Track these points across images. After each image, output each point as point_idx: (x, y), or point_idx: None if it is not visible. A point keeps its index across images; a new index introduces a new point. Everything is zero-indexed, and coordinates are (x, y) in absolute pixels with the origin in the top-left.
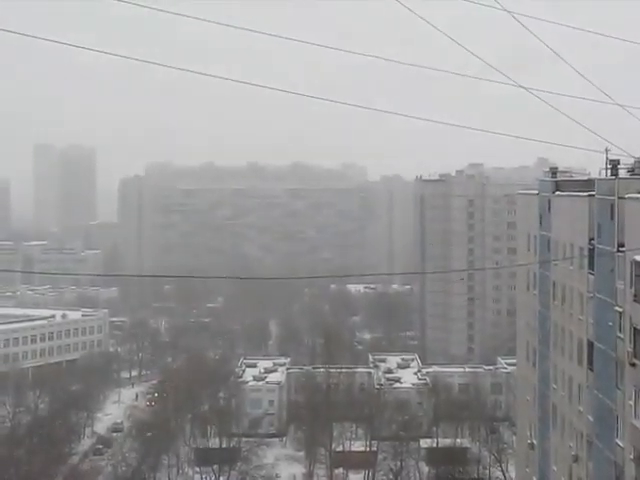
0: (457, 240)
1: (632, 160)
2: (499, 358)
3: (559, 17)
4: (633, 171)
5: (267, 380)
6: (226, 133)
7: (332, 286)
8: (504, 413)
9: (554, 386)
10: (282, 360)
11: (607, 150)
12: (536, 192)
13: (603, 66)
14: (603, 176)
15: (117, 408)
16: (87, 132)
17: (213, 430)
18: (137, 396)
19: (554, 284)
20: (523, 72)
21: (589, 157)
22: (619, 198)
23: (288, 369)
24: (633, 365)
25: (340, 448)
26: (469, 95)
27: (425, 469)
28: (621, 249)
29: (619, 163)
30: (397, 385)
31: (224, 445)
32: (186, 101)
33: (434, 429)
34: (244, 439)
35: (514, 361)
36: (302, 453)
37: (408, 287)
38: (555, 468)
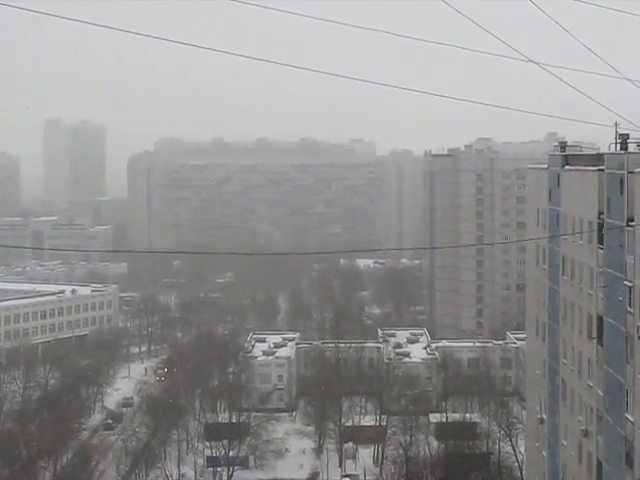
0: (466, 215)
1: None
2: (508, 333)
3: None
4: None
5: (276, 355)
6: (235, 109)
7: (341, 261)
8: (513, 388)
9: (564, 361)
10: (291, 335)
11: (617, 124)
12: (545, 167)
13: (612, 40)
14: (613, 150)
15: (127, 383)
16: (97, 108)
17: (223, 405)
18: (146, 371)
19: (563, 259)
20: (533, 46)
21: (599, 131)
22: (629, 172)
23: (297, 344)
24: None
25: (349, 423)
26: (478, 69)
27: (434, 443)
28: (631, 224)
29: (629, 137)
30: (406, 360)
31: (234, 420)
32: (194, 77)
33: (443, 404)
34: (253, 414)
35: (523, 336)
36: (312, 428)
37: (417, 262)
38: (565, 442)
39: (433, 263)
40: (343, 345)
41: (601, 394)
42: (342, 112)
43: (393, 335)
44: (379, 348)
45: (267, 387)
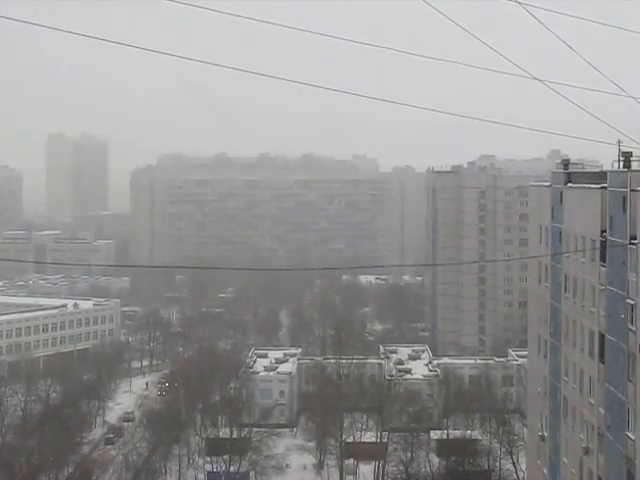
0: (468, 232)
1: None
2: (510, 350)
3: (574, 9)
4: None
5: (278, 370)
6: (238, 124)
7: (343, 277)
8: (515, 405)
9: (565, 378)
10: (293, 350)
11: (620, 142)
12: (548, 184)
13: (616, 58)
14: (615, 168)
15: (128, 397)
16: (100, 122)
17: (224, 420)
18: (148, 385)
19: (566, 276)
20: (537, 64)
21: (602, 149)
22: (631, 190)
23: (299, 359)
24: None
25: (350, 439)
26: (481, 87)
27: (435, 460)
28: (633, 241)
29: (632, 155)
30: (408, 376)
31: (235, 435)
32: (198, 92)
33: (445, 420)
34: (255, 429)
35: (525, 353)
36: (312, 443)
37: (419, 278)
38: (566, 460)
39: (435, 280)
40: (344, 361)
41: (602, 412)
42: (345, 128)
43: (395, 351)
44: (380, 364)
45: (268, 402)
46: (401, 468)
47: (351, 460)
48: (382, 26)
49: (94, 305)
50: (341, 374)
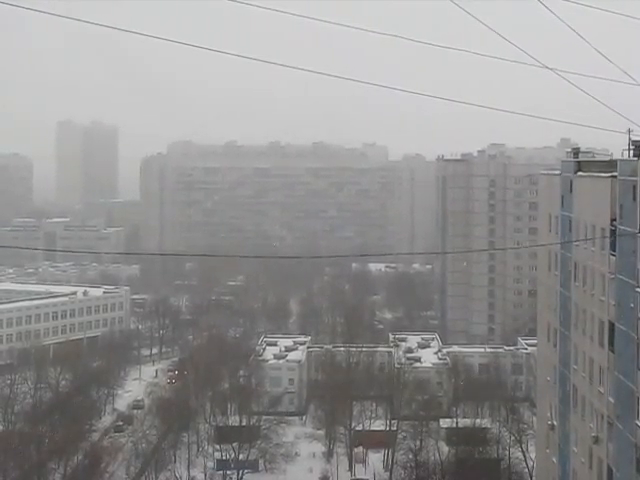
0: (478, 220)
1: None
2: (520, 338)
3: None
4: None
5: (287, 358)
6: (248, 112)
7: (353, 265)
8: (524, 394)
9: (575, 367)
10: (302, 338)
11: (630, 131)
12: (558, 172)
13: (628, 48)
14: (625, 157)
15: (138, 385)
16: (110, 110)
17: (233, 408)
18: (157, 373)
19: (575, 265)
20: (545, 51)
21: (612, 138)
22: None
23: (308, 347)
24: None
25: (360, 427)
26: (492, 76)
27: (445, 449)
28: None
29: None
30: (417, 365)
31: (244, 423)
32: (208, 79)
33: (454, 409)
34: (264, 417)
35: (535, 342)
36: (322, 432)
37: (429, 267)
38: (575, 449)
39: (445, 268)
40: (354, 349)
41: (612, 401)
42: (355, 116)
43: (404, 340)
44: (390, 352)
45: (278, 390)
46: (410, 456)
47: (360, 448)
48: (387, 11)
49: (104, 293)
50: (350, 362)
